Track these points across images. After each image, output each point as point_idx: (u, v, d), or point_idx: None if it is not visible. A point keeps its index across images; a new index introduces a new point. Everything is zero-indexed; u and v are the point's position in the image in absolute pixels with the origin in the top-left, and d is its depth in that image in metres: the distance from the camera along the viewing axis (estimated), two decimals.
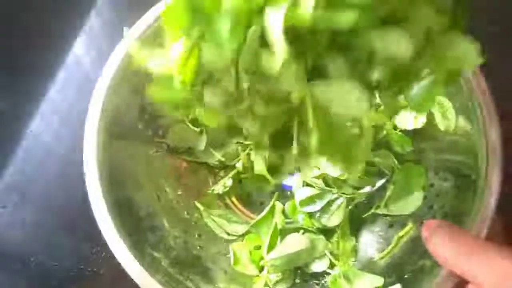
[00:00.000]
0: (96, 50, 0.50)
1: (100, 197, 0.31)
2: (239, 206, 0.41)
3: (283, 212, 0.38)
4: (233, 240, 0.38)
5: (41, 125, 0.46)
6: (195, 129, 0.38)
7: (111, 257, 0.40)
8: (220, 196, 0.40)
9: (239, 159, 0.39)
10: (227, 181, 0.39)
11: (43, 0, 0.51)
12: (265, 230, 0.36)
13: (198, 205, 0.38)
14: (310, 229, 0.37)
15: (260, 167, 0.33)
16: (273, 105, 0.23)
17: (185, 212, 0.38)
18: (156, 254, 0.32)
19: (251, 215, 0.40)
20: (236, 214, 0.40)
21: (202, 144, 0.38)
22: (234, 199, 0.41)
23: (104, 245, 0.39)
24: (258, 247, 0.36)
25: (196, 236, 0.37)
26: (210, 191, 0.40)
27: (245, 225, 0.38)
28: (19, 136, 0.46)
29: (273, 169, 0.33)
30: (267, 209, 0.37)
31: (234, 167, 0.40)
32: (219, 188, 0.39)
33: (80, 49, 0.50)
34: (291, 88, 0.21)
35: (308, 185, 0.38)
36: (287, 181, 0.39)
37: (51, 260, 0.41)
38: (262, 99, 0.23)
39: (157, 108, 0.35)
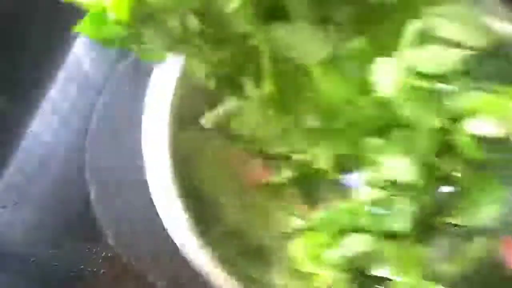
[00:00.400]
0: (96, 50, 0.50)
1: (170, 187, 0.31)
2: (298, 200, 0.39)
3: (346, 210, 0.36)
4: (291, 235, 0.36)
5: (41, 125, 0.46)
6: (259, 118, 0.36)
7: (111, 257, 0.41)
8: (279, 188, 0.38)
9: (303, 152, 0.37)
10: (287, 173, 0.37)
11: (43, 0, 0.51)
12: (326, 228, 0.34)
13: (259, 195, 0.37)
14: (373, 231, 0.35)
15: (324, 162, 0.34)
16: (224, 48, 0.22)
17: (246, 202, 0.37)
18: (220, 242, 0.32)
19: (310, 211, 0.38)
20: (295, 208, 0.38)
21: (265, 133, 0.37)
22: (293, 192, 0.39)
23: (104, 245, 0.39)
24: (318, 245, 0.35)
25: (257, 226, 0.36)
26: (269, 182, 0.38)
27: (304, 221, 0.37)
28: (19, 136, 0.46)
29: (337, 165, 0.34)
30: (329, 206, 0.35)
31: (296, 159, 0.38)
32: (279, 179, 0.37)
33: (80, 49, 0.50)
34: (246, 30, 0.19)
35: (373, 185, 0.35)
36: (351, 179, 0.37)
37: (51, 260, 0.41)
38: (212, 42, 0.21)
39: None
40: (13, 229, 0.42)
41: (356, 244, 0.33)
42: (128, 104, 0.44)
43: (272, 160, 0.38)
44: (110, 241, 0.37)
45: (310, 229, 0.36)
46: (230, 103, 0.35)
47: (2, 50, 0.48)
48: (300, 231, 0.36)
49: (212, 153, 0.36)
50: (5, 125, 0.47)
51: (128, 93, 0.43)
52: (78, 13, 0.53)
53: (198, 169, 0.34)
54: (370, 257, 0.34)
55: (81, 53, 0.50)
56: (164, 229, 0.39)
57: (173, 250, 0.37)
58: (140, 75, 0.43)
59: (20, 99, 0.48)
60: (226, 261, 0.30)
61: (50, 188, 0.44)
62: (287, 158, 0.38)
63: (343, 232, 0.34)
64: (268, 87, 0.27)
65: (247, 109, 0.35)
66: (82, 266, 0.40)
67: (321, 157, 0.35)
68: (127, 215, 0.40)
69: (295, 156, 0.37)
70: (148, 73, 0.42)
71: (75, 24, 0.52)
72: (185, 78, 0.33)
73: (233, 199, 0.36)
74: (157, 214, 0.40)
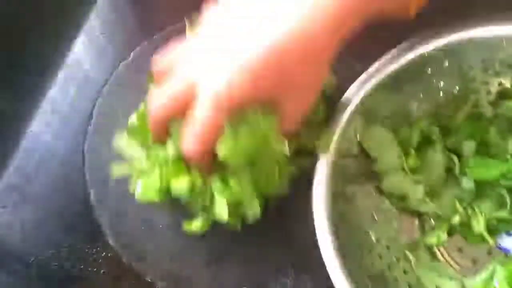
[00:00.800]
0: (96, 50, 0.50)
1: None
2: (448, 259, 0.38)
3: (504, 277, 0.33)
4: None
5: (41, 125, 0.46)
6: (413, 177, 0.37)
7: (111, 257, 0.41)
8: (429, 247, 0.38)
9: (456, 213, 0.37)
10: (442, 235, 0.37)
11: (43, 0, 0.51)
12: None
13: (409, 255, 0.37)
14: None
15: (479, 227, 0.35)
16: None
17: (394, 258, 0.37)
18: None
19: (461, 271, 0.37)
20: (445, 268, 0.37)
21: (418, 193, 0.37)
22: (443, 250, 0.38)
23: (104, 245, 0.39)
24: None
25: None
26: (420, 240, 0.38)
27: (456, 282, 0.35)
28: (19, 136, 0.46)
29: (492, 229, 0.35)
30: (486, 271, 0.34)
31: (445, 219, 0.37)
32: (431, 240, 0.37)
33: (80, 49, 0.50)
34: None
35: None
36: (506, 242, 0.36)
37: (51, 260, 0.41)
38: None
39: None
40: (13, 229, 0.42)
41: None
42: (128, 104, 0.44)
43: (421, 217, 0.39)
44: (110, 241, 0.37)
45: None
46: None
47: (2, 50, 0.48)
48: None
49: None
50: (5, 125, 0.47)
51: (128, 93, 0.43)
52: (78, 13, 0.53)
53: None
54: None
55: (81, 53, 0.50)
56: (163, 229, 0.39)
57: (173, 250, 0.37)
58: (140, 75, 0.43)
59: (20, 99, 0.48)
60: None
61: (50, 188, 0.44)
62: (438, 216, 0.38)
63: None
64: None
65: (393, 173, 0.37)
66: (82, 266, 0.40)
67: (476, 219, 0.36)
68: (127, 215, 0.40)
69: (447, 217, 0.37)
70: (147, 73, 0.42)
71: (75, 25, 0.53)
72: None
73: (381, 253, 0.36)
74: (155, 214, 0.40)
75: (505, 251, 0.36)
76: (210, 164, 0.31)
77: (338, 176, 0.33)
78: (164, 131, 0.32)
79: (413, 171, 0.37)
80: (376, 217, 0.37)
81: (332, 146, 0.34)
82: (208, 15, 0.30)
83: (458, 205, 0.37)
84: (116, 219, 0.38)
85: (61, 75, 0.49)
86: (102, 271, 0.40)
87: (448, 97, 0.38)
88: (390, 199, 0.38)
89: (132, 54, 0.45)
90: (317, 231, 0.32)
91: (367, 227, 0.36)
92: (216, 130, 0.28)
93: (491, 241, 0.35)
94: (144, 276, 0.37)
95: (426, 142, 0.38)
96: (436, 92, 0.38)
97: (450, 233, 0.37)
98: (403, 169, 0.37)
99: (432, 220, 0.38)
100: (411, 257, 0.37)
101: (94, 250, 0.41)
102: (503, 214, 0.35)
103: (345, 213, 0.34)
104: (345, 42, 0.29)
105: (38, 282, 0.40)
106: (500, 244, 0.36)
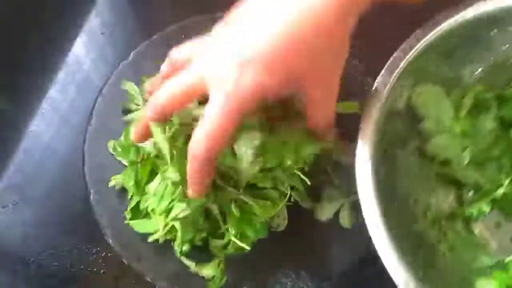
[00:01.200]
0: (96, 50, 0.50)
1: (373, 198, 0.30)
2: (485, 235, 0.36)
3: None
4: (475, 271, 0.34)
5: (41, 125, 0.46)
6: (463, 142, 0.35)
7: (111, 257, 0.41)
8: (467, 219, 0.37)
9: (501, 185, 0.35)
10: (485, 207, 0.35)
11: (43, 0, 0.51)
12: None
13: (444, 225, 0.35)
14: None
15: None
16: None
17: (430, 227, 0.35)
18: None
19: (497, 248, 0.36)
20: (482, 244, 0.36)
21: (464, 160, 0.35)
22: (481, 226, 0.37)
23: (104, 245, 0.39)
24: (511, 287, 0.32)
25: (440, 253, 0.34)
26: (457, 212, 0.36)
27: (492, 258, 0.35)
28: (19, 136, 0.46)
29: None
30: None
31: (488, 191, 0.36)
32: (472, 211, 0.36)
33: (80, 49, 0.50)
34: None
35: None
36: None
37: (51, 260, 0.41)
38: None
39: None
40: (13, 229, 0.42)
41: None
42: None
43: (461, 187, 0.37)
44: (110, 241, 0.37)
45: (500, 268, 0.33)
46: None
47: (2, 50, 0.48)
48: (491, 268, 0.34)
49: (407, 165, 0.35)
50: (5, 125, 0.47)
51: (127, 93, 0.43)
52: (78, 13, 0.53)
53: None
54: None
55: (81, 53, 0.50)
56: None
57: (173, 250, 0.37)
58: (140, 75, 0.43)
59: (20, 99, 0.48)
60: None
61: (50, 188, 0.44)
62: (479, 188, 0.36)
63: None
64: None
65: (439, 135, 0.35)
66: (82, 266, 0.40)
67: None
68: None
69: (489, 189, 0.36)
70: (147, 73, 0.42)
71: (75, 25, 0.53)
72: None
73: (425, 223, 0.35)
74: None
75: None
76: (214, 170, 0.30)
77: (382, 136, 0.31)
78: (164, 121, 0.31)
79: (462, 135, 0.35)
80: (415, 181, 0.35)
81: (380, 103, 0.31)
82: (231, 14, 0.30)
83: (504, 177, 0.35)
84: (116, 219, 0.38)
85: (61, 75, 0.49)
86: (102, 271, 0.40)
87: (506, 64, 0.35)
88: (432, 163, 0.36)
89: (132, 54, 0.44)
90: (359, 191, 0.30)
91: (406, 189, 0.34)
92: (226, 128, 0.27)
93: None
94: (144, 276, 0.37)
95: (478, 108, 0.35)
96: (494, 58, 0.35)
97: (491, 208, 0.36)
98: (452, 131, 0.35)
99: (470, 192, 0.37)
100: (446, 227, 0.35)
101: (94, 250, 0.41)
102: None
103: (385, 174, 0.32)
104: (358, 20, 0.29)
105: (38, 282, 0.40)
106: None
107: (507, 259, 0.34)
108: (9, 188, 0.44)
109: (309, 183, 0.36)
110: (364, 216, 0.29)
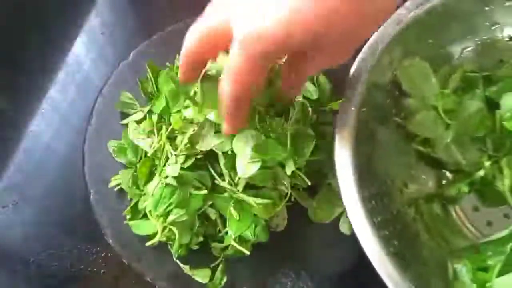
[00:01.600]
0: (96, 50, 0.50)
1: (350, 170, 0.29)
2: (463, 218, 0.36)
3: None
4: (450, 253, 0.34)
5: (41, 125, 0.46)
6: (447, 120, 0.34)
7: (111, 257, 0.41)
8: (444, 201, 0.36)
9: (481, 168, 0.34)
10: (464, 188, 0.35)
11: (43, 0, 0.51)
12: (497, 253, 0.31)
13: (422, 204, 0.35)
14: None
15: (503, 185, 0.33)
16: None
17: (406, 206, 0.34)
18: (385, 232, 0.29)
19: (473, 232, 0.36)
20: (458, 226, 0.36)
21: (446, 139, 0.34)
22: (458, 209, 0.36)
23: (104, 245, 0.39)
24: (483, 269, 0.32)
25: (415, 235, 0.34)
26: (435, 192, 0.36)
27: (467, 241, 0.35)
28: (19, 136, 0.46)
29: None
30: (505, 231, 0.32)
31: (468, 173, 0.35)
32: (451, 191, 0.35)
33: (80, 49, 0.50)
34: None
35: None
36: None
37: (51, 260, 0.41)
38: None
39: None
40: (13, 229, 0.42)
41: None
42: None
43: (440, 168, 0.36)
44: (110, 241, 0.37)
45: (474, 251, 0.33)
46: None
47: (2, 50, 0.48)
48: (466, 251, 0.34)
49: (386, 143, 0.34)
50: (5, 125, 0.47)
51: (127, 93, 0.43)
52: (78, 13, 0.53)
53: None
54: None
55: (81, 53, 0.50)
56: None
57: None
58: (140, 75, 0.43)
59: (20, 99, 0.48)
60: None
61: (50, 188, 0.44)
62: (459, 170, 0.36)
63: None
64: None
65: (423, 112, 0.34)
66: (82, 266, 0.40)
67: (501, 177, 0.33)
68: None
69: (470, 170, 0.35)
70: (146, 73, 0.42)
71: (75, 25, 0.53)
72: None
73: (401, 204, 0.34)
74: None
75: None
76: (246, 112, 0.30)
77: (364, 107, 0.31)
78: (194, 70, 0.31)
79: (446, 113, 0.34)
80: (394, 159, 0.34)
81: (365, 75, 0.31)
82: None
83: (485, 159, 0.34)
84: (116, 219, 0.38)
85: (61, 75, 0.49)
86: (102, 271, 0.40)
87: (496, 45, 0.35)
88: (413, 141, 0.35)
89: (132, 54, 0.44)
90: (337, 167, 0.29)
91: (384, 167, 0.33)
92: (251, 71, 0.27)
93: None
94: (144, 276, 0.37)
95: (465, 87, 0.35)
96: (485, 37, 0.34)
97: (470, 191, 0.35)
98: (436, 109, 0.34)
99: (449, 174, 0.36)
100: (424, 208, 0.35)
101: (94, 250, 0.41)
102: None
103: (366, 149, 0.31)
104: None
105: (38, 282, 0.40)
106: None
107: (482, 242, 0.33)
108: (9, 188, 0.44)
109: (309, 183, 0.36)
110: (339, 187, 0.29)
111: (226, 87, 0.28)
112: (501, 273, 0.30)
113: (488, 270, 0.31)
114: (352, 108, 0.30)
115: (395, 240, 0.29)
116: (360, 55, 0.31)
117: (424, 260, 0.32)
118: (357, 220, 0.28)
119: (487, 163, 0.34)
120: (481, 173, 0.34)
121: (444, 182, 0.36)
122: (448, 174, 0.36)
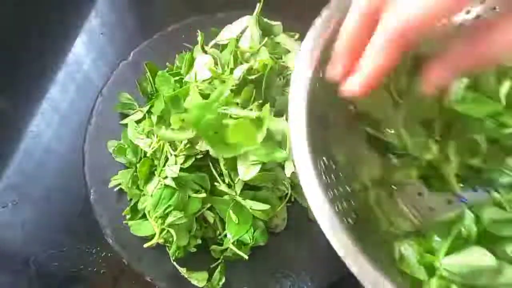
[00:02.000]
0: (96, 50, 0.50)
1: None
2: (406, 202, 0.36)
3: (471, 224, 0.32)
4: (395, 235, 0.33)
5: (41, 125, 0.46)
6: (397, 99, 0.33)
7: (111, 256, 0.41)
8: (391, 186, 0.35)
9: (429, 153, 0.34)
10: (413, 173, 0.34)
11: (43, 0, 0.51)
12: (444, 234, 0.32)
13: (372, 190, 0.34)
14: (497, 253, 0.31)
15: (448, 172, 0.33)
16: None
17: (354, 186, 0.34)
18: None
19: (416, 216, 0.35)
20: (402, 210, 0.35)
21: (398, 119, 0.33)
22: (402, 194, 0.36)
23: (104, 245, 0.39)
24: (429, 251, 0.32)
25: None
26: (381, 176, 0.35)
27: (410, 224, 0.34)
28: (19, 136, 0.46)
29: (464, 176, 0.33)
30: (452, 213, 0.32)
31: (414, 157, 0.34)
32: (399, 176, 0.35)
33: (80, 49, 0.50)
34: None
35: (498, 205, 0.32)
36: (469, 197, 0.34)
37: (51, 260, 0.41)
38: None
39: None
40: (13, 229, 0.42)
41: (477, 257, 0.30)
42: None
43: (386, 151, 0.35)
44: (110, 241, 0.37)
45: (420, 233, 0.33)
46: None
47: (2, 50, 0.48)
48: (412, 234, 0.33)
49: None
50: (5, 125, 0.47)
51: (128, 93, 0.43)
52: (78, 13, 0.53)
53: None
54: (491, 276, 0.29)
55: (81, 53, 0.50)
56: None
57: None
58: (140, 75, 0.43)
59: (20, 99, 0.48)
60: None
61: (50, 188, 0.44)
62: (404, 155, 0.35)
63: (463, 244, 0.31)
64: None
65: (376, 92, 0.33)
66: (82, 266, 0.40)
67: (447, 163, 0.33)
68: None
69: (417, 154, 0.34)
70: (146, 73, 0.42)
71: (75, 25, 0.53)
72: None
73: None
74: None
75: (464, 201, 0.34)
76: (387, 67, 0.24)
77: (315, 92, 0.29)
78: (358, 47, 0.25)
79: (398, 94, 0.33)
80: (344, 140, 0.33)
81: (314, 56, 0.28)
82: None
83: (432, 143, 0.33)
84: (116, 219, 0.38)
85: (61, 75, 0.49)
86: (102, 271, 0.40)
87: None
88: (364, 122, 0.34)
89: (132, 54, 0.44)
90: (294, 150, 0.27)
91: (334, 148, 0.32)
92: (386, 50, 0.23)
93: (457, 188, 0.33)
94: (144, 276, 0.37)
95: (418, 69, 0.32)
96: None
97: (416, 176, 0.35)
98: (388, 89, 0.33)
99: (395, 159, 0.35)
100: (372, 192, 0.34)
101: (94, 250, 0.41)
102: (475, 161, 0.33)
103: (318, 132, 0.30)
104: None
105: (38, 282, 0.40)
106: (464, 198, 0.34)
107: (424, 223, 0.34)
108: (9, 188, 0.44)
109: None
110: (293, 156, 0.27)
111: (391, 18, 0.23)
112: (447, 255, 0.30)
113: (434, 253, 0.31)
114: (304, 94, 0.28)
115: (352, 215, 0.29)
116: (311, 31, 0.28)
117: (375, 239, 0.32)
118: (311, 190, 0.26)
119: (434, 148, 0.34)
120: (428, 157, 0.34)
121: (391, 166, 0.36)
122: (394, 160, 0.36)
